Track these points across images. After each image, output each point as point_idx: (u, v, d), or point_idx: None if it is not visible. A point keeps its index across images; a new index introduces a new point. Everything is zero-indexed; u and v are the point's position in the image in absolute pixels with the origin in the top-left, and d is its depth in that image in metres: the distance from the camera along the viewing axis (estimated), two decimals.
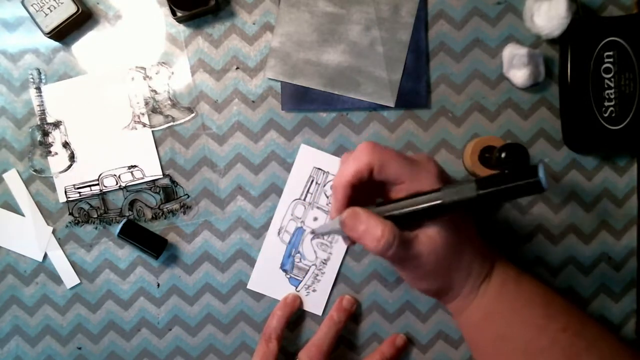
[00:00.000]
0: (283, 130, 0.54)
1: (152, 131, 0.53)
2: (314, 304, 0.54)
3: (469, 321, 0.45)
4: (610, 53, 0.50)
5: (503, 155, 0.45)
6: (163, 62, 0.54)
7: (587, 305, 0.53)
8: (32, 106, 0.54)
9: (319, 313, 0.54)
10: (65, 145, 0.54)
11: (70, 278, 0.54)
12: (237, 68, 0.54)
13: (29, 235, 0.54)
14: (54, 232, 0.54)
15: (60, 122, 0.54)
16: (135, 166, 0.54)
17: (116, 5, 0.54)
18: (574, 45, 0.50)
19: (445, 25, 0.53)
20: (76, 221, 0.54)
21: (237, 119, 0.54)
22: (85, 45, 0.54)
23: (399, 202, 0.40)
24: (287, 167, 0.54)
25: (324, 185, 0.53)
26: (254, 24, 0.53)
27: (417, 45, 0.53)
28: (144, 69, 0.54)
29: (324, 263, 0.54)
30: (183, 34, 0.54)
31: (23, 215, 0.54)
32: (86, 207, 0.54)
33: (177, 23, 0.53)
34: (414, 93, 0.53)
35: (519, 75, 0.51)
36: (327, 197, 0.53)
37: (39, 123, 0.54)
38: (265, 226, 0.54)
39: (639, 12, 0.52)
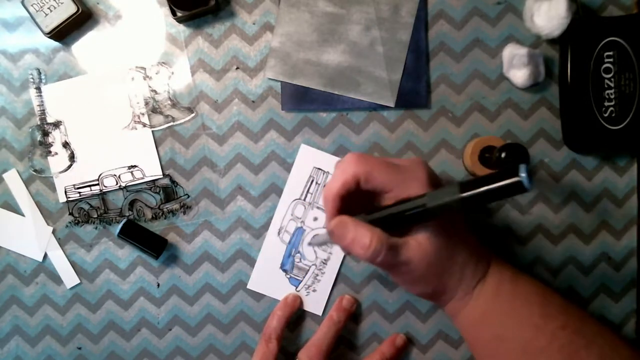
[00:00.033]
0: (283, 130, 0.54)
1: (152, 131, 0.53)
2: (314, 304, 0.54)
3: (466, 322, 0.45)
4: (610, 53, 0.50)
5: (503, 155, 0.45)
6: (163, 62, 0.54)
7: (587, 305, 0.53)
8: (32, 106, 0.54)
9: (319, 313, 0.54)
10: (65, 145, 0.54)
11: (70, 278, 0.54)
12: (237, 68, 0.54)
13: (29, 235, 0.54)
14: (54, 232, 0.54)
15: (60, 122, 0.54)
16: (135, 166, 0.54)
17: (116, 5, 0.54)
18: (574, 45, 0.50)
19: (445, 25, 0.53)
20: (76, 221, 0.54)
21: (237, 119, 0.54)
22: (85, 45, 0.54)
23: (386, 209, 0.40)
24: (287, 167, 0.54)
25: (324, 186, 0.53)
26: (254, 24, 0.53)
27: (417, 45, 0.53)
28: (144, 69, 0.54)
29: (324, 263, 0.54)
30: (183, 34, 0.54)
31: (23, 215, 0.54)
32: (86, 207, 0.54)
33: (177, 23, 0.53)
34: (414, 93, 0.53)
35: (519, 75, 0.51)
36: None
37: (39, 123, 0.54)
38: (265, 226, 0.54)
39: (639, 12, 0.52)
